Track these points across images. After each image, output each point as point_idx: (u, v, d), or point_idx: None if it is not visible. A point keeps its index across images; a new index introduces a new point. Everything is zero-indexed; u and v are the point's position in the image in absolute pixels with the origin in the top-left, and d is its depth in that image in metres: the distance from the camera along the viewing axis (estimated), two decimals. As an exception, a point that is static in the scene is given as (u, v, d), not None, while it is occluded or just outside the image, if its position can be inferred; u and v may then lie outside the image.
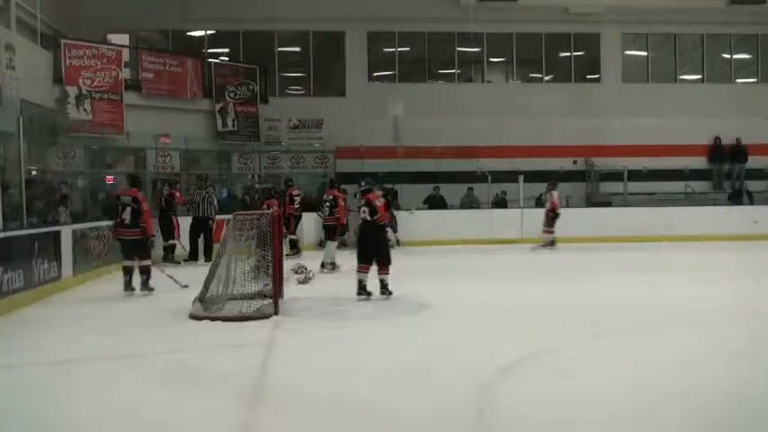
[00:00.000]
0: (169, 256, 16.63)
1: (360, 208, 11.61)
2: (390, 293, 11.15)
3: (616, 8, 24.68)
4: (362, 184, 11.86)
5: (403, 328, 9.10)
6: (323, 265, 15.00)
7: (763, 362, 7.29)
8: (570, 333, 8.63)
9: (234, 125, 22.81)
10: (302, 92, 25.49)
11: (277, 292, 10.05)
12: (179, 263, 16.39)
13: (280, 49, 25.09)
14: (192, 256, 16.95)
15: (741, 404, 5.98)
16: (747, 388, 6.32)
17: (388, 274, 11.26)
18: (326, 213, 15.56)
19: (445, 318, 9.82)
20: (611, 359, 7.44)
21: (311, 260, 15.05)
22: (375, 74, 25.33)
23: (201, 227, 17.10)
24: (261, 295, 10.13)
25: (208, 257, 16.34)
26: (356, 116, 23.90)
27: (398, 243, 19.77)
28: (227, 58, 24.43)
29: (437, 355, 7.60)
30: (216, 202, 17.54)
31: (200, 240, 17.12)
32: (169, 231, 16.81)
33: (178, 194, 17.32)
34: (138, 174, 15.42)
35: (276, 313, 9.67)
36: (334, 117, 23.74)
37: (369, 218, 11.32)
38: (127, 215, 12.08)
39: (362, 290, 11.17)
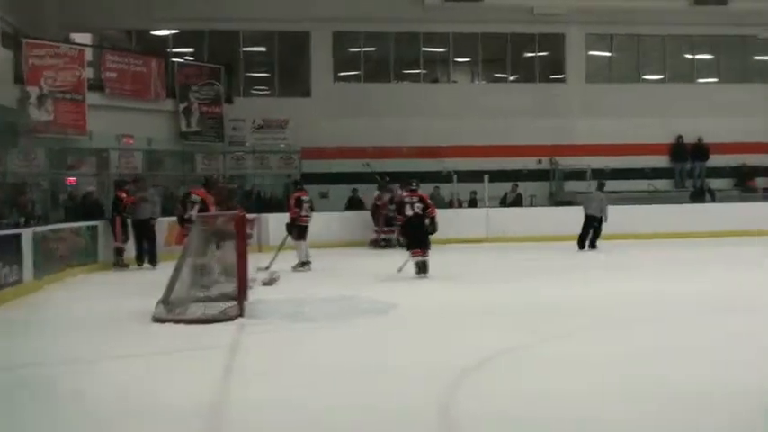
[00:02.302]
0: (117, 259, 16.35)
1: (412, 204, 13.81)
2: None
3: (580, 9, 24.84)
4: (414, 183, 14.32)
5: (369, 329, 9.05)
6: (302, 264, 15.16)
7: (731, 358, 7.29)
8: (538, 332, 8.60)
9: (198, 126, 22.64)
10: (267, 92, 25.36)
11: (242, 294, 9.95)
12: (127, 266, 16.18)
13: (245, 49, 24.95)
14: (138, 260, 16.44)
15: (708, 402, 5.97)
16: (714, 386, 6.32)
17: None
18: (303, 213, 15.53)
19: (412, 318, 9.78)
20: (580, 357, 7.40)
21: (280, 260, 14.93)
22: (341, 74, 25.26)
23: (143, 229, 16.52)
24: (225, 297, 10.03)
25: (151, 261, 16.19)
26: (322, 116, 23.82)
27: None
28: (191, 58, 24.25)
29: (403, 356, 7.55)
30: (158, 203, 17.23)
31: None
32: (118, 234, 16.34)
33: (125, 195, 16.49)
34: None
35: (241, 315, 9.57)
36: (299, 117, 23.64)
37: (420, 212, 13.75)
38: None
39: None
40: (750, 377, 6.51)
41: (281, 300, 10.93)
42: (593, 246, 19.03)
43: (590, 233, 19.03)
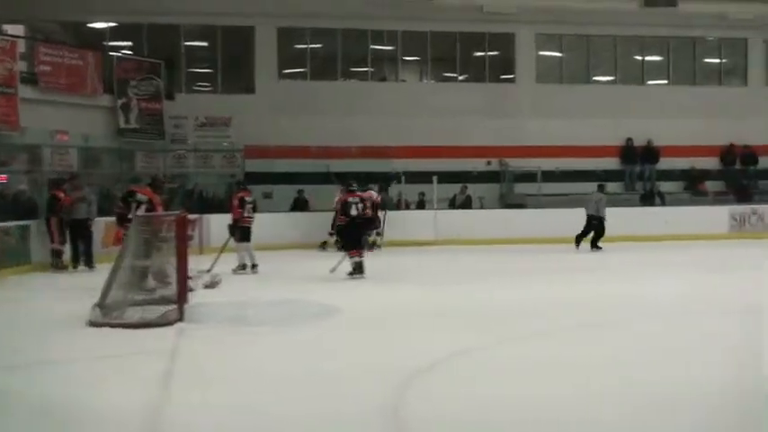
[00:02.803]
0: (54, 261, 15.93)
1: (356, 204, 14.18)
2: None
3: (530, 8, 24.92)
4: (353, 184, 14.68)
5: (315, 333, 8.98)
6: (243, 267, 15.04)
7: (689, 359, 7.31)
8: (491, 335, 8.61)
9: (137, 122, 22.23)
10: (210, 88, 25.07)
11: (182, 297, 9.75)
12: (66, 268, 15.80)
13: (186, 43, 24.62)
14: (74, 261, 15.99)
15: (671, 404, 5.95)
16: (673, 387, 6.33)
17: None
18: (246, 214, 15.34)
19: (360, 321, 9.73)
20: (534, 361, 7.40)
21: (223, 263, 14.72)
22: (286, 71, 25.05)
23: (79, 230, 16.05)
24: (165, 300, 9.84)
25: (87, 263, 15.83)
26: (266, 114, 23.58)
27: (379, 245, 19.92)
28: (130, 52, 23.83)
29: (351, 361, 7.49)
30: (95, 202, 16.85)
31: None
32: (55, 235, 15.88)
33: (62, 195, 16.05)
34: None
35: (181, 319, 9.42)
36: (242, 115, 23.37)
37: (362, 212, 14.27)
38: None
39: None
40: (723, 376, 6.62)
41: (223, 303, 10.80)
42: (595, 246, 19.53)
43: (590, 233, 19.64)
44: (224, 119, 23.61)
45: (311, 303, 10.87)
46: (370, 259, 14.51)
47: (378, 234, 20.07)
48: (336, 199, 15.53)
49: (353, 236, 14.36)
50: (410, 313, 10.30)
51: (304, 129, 23.43)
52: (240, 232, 15.33)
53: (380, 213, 19.83)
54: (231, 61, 24.95)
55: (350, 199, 14.37)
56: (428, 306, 10.87)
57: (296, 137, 23.32)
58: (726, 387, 6.41)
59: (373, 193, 18.81)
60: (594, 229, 19.59)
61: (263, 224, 16.46)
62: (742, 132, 26.01)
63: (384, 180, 21.72)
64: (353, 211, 14.20)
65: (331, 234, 19.02)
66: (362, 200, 14.46)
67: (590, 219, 19.62)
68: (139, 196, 12.81)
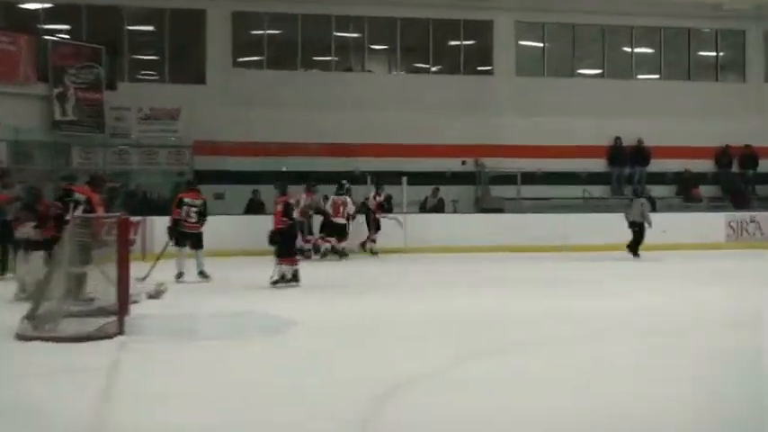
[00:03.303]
0: None
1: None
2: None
3: (510, -7, 25.20)
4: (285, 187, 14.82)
5: (269, 348, 9.02)
6: (180, 275, 14.95)
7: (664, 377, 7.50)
8: (459, 350, 8.69)
9: (74, 114, 22.19)
10: (156, 77, 25.01)
11: (123, 308, 9.75)
12: (3, 274, 15.67)
13: (129, 27, 24.53)
14: (1, 268, 15.61)
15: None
16: (648, 404, 6.52)
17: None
18: (194, 220, 15.31)
19: (316, 334, 9.76)
20: (505, 376, 7.56)
21: (167, 270, 14.70)
22: (240, 59, 25.09)
23: (8, 233, 15.44)
24: (103, 311, 9.83)
25: (3, 268, 15.49)
26: (218, 107, 23.59)
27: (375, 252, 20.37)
28: (67, 37, 23.73)
29: (308, 376, 7.54)
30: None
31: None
32: None
33: None
34: None
35: (121, 332, 9.41)
36: (192, 107, 23.38)
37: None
38: None
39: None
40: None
41: (168, 315, 10.79)
42: (634, 254, 19.97)
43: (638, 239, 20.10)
44: (171, 111, 23.60)
45: (266, 315, 10.87)
46: (323, 268, 14.51)
47: (372, 241, 20.51)
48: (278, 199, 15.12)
49: (290, 242, 14.49)
50: (373, 325, 10.38)
51: (260, 123, 23.47)
52: (177, 236, 15.38)
53: (380, 216, 20.53)
54: (180, 48, 24.90)
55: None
56: (392, 318, 10.92)
57: (251, 132, 23.41)
58: (697, 409, 6.60)
59: (348, 199, 19.54)
60: (635, 236, 20.07)
61: (214, 228, 16.40)
62: (740, 132, 26.33)
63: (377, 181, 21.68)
64: (296, 215, 14.62)
65: (307, 241, 19.15)
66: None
67: (632, 225, 20.01)
68: (77, 195, 12.75)
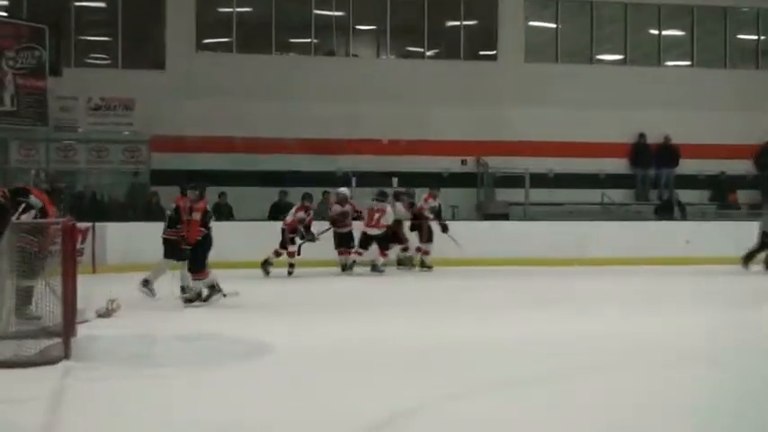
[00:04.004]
0: None
1: None
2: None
3: (518, -35, 25.29)
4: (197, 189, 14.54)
5: (234, 378, 8.93)
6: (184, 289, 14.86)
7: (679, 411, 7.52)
8: (456, 384, 8.63)
9: (13, 103, 22.13)
10: (107, 62, 25.01)
11: (69, 329, 9.72)
12: None
13: (77, 3, 24.54)
14: None
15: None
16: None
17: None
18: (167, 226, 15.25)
19: (291, 364, 9.65)
20: (511, 415, 7.46)
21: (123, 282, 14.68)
22: (206, 41, 25.12)
23: None
24: (46, 333, 9.80)
25: None
26: (179, 96, 23.58)
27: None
28: (4, 14, 23.73)
29: (279, 412, 7.46)
30: None
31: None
32: None
33: None
34: None
35: (67, 357, 9.34)
36: (149, 96, 23.37)
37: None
38: None
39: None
40: None
41: (122, 337, 10.77)
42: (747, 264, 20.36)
43: (763, 251, 20.47)
44: (125, 101, 23.59)
45: (235, 338, 10.87)
46: (299, 284, 14.34)
47: (425, 252, 20.49)
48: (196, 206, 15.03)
49: (205, 254, 14.39)
50: (355, 354, 10.22)
51: (228, 115, 23.49)
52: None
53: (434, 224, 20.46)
54: (135, 28, 24.91)
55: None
56: (377, 346, 10.78)
57: (217, 126, 23.44)
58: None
59: (388, 207, 19.74)
60: (761, 246, 20.47)
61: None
62: (784, 128, 26.45)
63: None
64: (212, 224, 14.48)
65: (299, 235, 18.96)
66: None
67: (764, 236, 20.35)
68: (33, 199, 12.61)
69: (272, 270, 18.71)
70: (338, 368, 9.45)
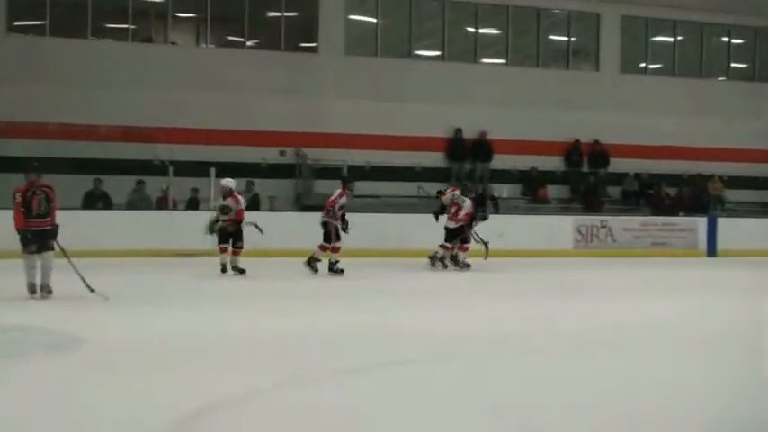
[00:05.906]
0: None
1: None
2: None
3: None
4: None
5: (39, 372, 8.55)
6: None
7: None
8: (274, 373, 8.45)
9: None
10: None
11: None
12: None
13: None
14: None
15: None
16: None
17: None
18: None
19: (108, 357, 9.28)
20: (335, 405, 7.31)
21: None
22: (17, 23, 24.36)
23: None
24: None
25: None
26: (-13, 79, 22.78)
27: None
28: None
29: (88, 410, 7.09)
30: None
31: None
32: None
33: None
34: None
35: None
36: (-46, 80, 22.49)
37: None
38: None
39: None
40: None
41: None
42: None
43: None
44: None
45: (43, 330, 10.55)
46: (117, 275, 13.96)
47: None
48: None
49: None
50: (166, 347, 9.95)
51: (39, 101, 22.94)
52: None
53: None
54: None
55: None
56: (202, 335, 10.61)
57: (27, 111, 22.84)
58: None
59: (467, 200, 19.32)
60: None
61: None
62: (594, 127, 27.30)
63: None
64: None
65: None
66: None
67: None
68: None
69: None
70: (153, 362, 9.12)
